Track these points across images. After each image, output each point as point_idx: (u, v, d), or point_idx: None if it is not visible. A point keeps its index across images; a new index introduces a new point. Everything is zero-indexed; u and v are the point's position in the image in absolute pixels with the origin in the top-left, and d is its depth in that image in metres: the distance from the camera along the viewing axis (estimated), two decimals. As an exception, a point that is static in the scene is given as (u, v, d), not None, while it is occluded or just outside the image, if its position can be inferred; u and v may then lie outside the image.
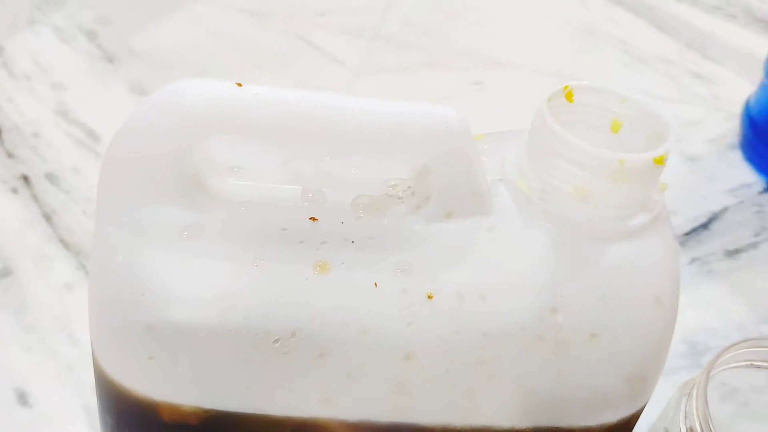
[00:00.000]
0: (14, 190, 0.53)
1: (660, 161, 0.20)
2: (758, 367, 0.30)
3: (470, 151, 0.21)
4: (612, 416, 0.22)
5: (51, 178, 0.54)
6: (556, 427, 0.21)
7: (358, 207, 0.22)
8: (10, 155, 0.56)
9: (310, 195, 0.22)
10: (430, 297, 0.20)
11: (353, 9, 0.79)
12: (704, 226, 0.60)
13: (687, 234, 0.58)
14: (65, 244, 0.49)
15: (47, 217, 0.51)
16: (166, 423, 0.21)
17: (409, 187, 0.22)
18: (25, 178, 0.54)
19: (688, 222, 0.60)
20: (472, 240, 0.21)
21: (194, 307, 0.20)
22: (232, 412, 0.21)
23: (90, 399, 0.41)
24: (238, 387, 0.20)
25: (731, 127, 0.70)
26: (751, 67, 0.66)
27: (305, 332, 0.20)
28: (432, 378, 0.20)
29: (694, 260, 0.56)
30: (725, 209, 0.61)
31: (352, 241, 0.21)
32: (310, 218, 0.21)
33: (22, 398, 0.41)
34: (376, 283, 0.20)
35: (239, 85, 0.20)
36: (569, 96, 0.22)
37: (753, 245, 0.59)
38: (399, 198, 0.22)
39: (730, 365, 0.29)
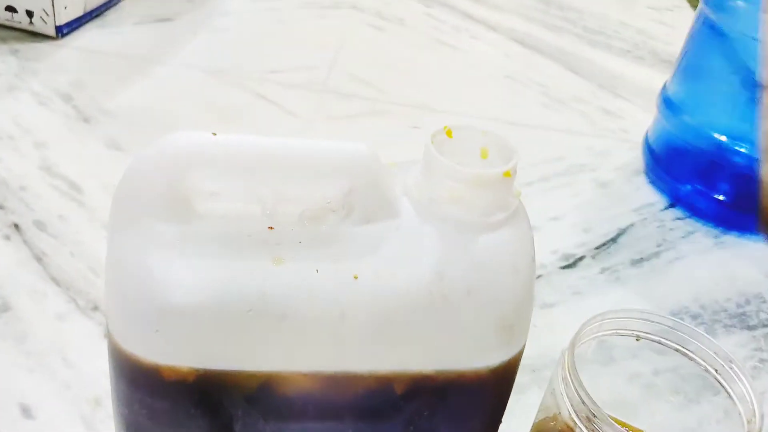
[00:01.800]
0: (7, 237, 0.59)
1: (507, 174, 0.29)
2: (622, 335, 0.39)
3: (380, 174, 0.30)
4: (493, 359, 0.30)
5: (39, 225, 0.60)
6: (453, 370, 0.30)
7: (304, 217, 0.30)
8: (0, 206, 0.62)
9: (268, 211, 0.30)
10: (355, 277, 0.28)
11: (303, 66, 0.88)
12: (613, 240, 0.69)
13: (598, 248, 0.68)
14: (56, 282, 0.56)
15: (38, 259, 0.58)
16: (167, 381, 0.28)
17: (340, 201, 0.31)
18: (16, 226, 0.60)
19: (599, 237, 0.69)
20: (385, 235, 0.29)
21: (187, 291, 0.28)
22: (218, 369, 0.29)
23: (87, 411, 0.48)
24: (222, 349, 0.28)
25: (636, 155, 0.80)
26: (654, 102, 0.76)
27: (268, 304, 0.28)
28: (359, 332, 0.28)
29: (604, 270, 0.65)
30: (631, 225, 0.70)
31: (300, 242, 0.29)
32: (269, 227, 0.30)
33: (26, 411, 0.47)
34: (317, 270, 0.28)
35: (214, 134, 0.28)
36: (449, 133, 0.31)
37: (655, 254, 0.68)
38: (333, 210, 0.31)
39: (598, 334, 0.38)
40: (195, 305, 0.27)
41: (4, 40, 0.83)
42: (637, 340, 0.40)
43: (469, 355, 0.30)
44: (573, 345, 0.34)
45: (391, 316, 0.28)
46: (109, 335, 0.29)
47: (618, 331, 0.39)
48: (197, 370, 0.28)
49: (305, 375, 0.29)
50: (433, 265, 0.28)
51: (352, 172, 0.29)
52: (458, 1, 1.08)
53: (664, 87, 0.76)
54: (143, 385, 0.29)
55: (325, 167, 0.29)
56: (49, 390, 0.49)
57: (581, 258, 0.67)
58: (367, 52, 0.94)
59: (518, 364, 0.32)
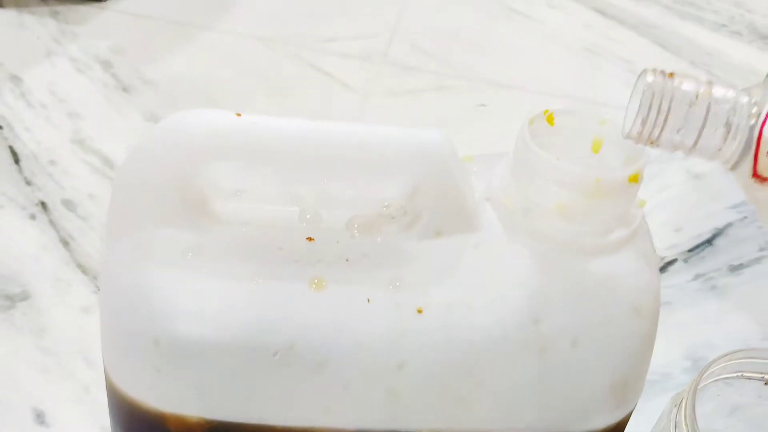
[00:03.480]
0: (32, 217, 0.54)
1: (634, 179, 0.21)
2: (749, 378, 0.31)
3: (456, 171, 0.22)
4: (598, 422, 0.23)
5: (68, 204, 0.55)
6: (544, 434, 0.22)
7: (353, 227, 0.23)
8: (28, 182, 0.57)
9: (308, 216, 0.23)
10: (420, 311, 0.21)
11: (362, 34, 0.81)
12: (708, 242, 0.60)
13: (691, 250, 0.59)
14: (82, 269, 0.51)
15: (64, 243, 0.52)
16: (173, 433, 0.22)
17: (402, 206, 0.24)
18: (43, 205, 0.55)
19: (692, 239, 0.60)
20: (460, 256, 0.22)
21: (197, 322, 0.21)
22: (235, 422, 0.22)
23: (106, 419, 0.42)
24: (240, 398, 0.22)
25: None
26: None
27: (302, 345, 0.21)
28: (423, 386, 0.21)
29: (698, 276, 0.57)
30: (729, 225, 0.61)
31: (347, 259, 0.22)
32: (307, 238, 0.23)
33: (40, 417, 0.42)
34: (369, 299, 0.21)
35: (238, 114, 0.21)
36: (550, 119, 0.23)
37: (757, 260, 0.59)
38: (392, 217, 0.23)
39: (721, 376, 0.30)
40: (204, 342, 0.21)
41: (45, 1, 0.79)
42: (766, 384, 0.32)
43: (567, 419, 0.22)
44: (694, 392, 0.27)
45: (466, 368, 0.21)
46: (105, 372, 0.23)
47: (743, 374, 0.31)
48: (209, 422, 0.22)
49: (348, 435, 0.22)
50: (528, 304, 0.20)
51: (418, 167, 0.22)
52: (534, -35, 0.98)
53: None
54: (143, 436, 0.23)
55: (384, 160, 0.22)
56: (66, 394, 0.43)
57: (672, 262, 0.58)
58: (432, 19, 0.86)
59: (626, 424, 0.24)
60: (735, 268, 0.58)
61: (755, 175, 0.20)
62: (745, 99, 0.20)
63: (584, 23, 0.88)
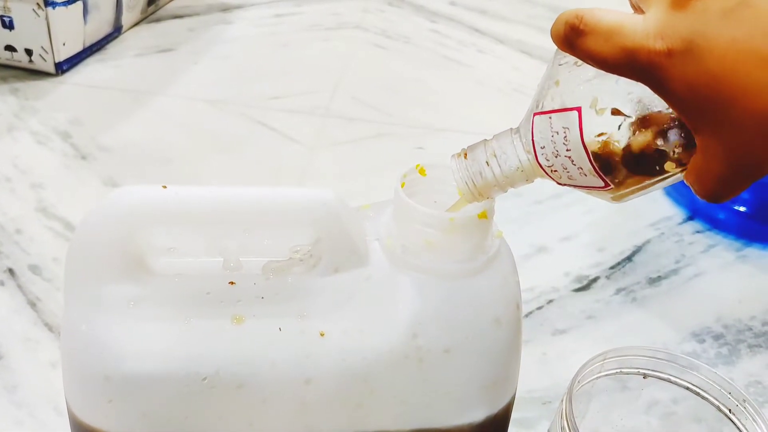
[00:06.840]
0: (1, 283, 0.58)
1: (483, 216, 0.26)
2: (627, 373, 0.36)
3: (347, 220, 0.27)
4: (477, 415, 0.28)
5: (34, 269, 0.59)
6: (431, 428, 0.27)
7: (268, 270, 0.28)
8: None
9: (231, 264, 0.28)
10: (322, 334, 0.26)
11: (306, 91, 0.86)
12: (629, 258, 0.65)
13: (613, 267, 0.64)
14: (49, 327, 0.54)
15: (32, 304, 0.56)
16: (125, 453, 0.27)
17: (309, 250, 0.29)
18: (11, 271, 0.59)
19: (614, 257, 0.65)
20: (354, 288, 0.27)
21: (141, 359, 0.26)
22: (177, 439, 0.26)
23: (77, 462, 0.46)
24: (179, 418, 0.26)
25: (652, 167, 0.76)
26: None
27: (226, 370, 0.26)
28: (328, 397, 0.26)
29: (619, 290, 0.62)
30: (648, 242, 0.66)
31: (262, 297, 0.27)
32: (229, 282, 0.27)
33: None
34: (280, 328, 0.26)
35: (164, 187, 0.26)
36: (422, 171, 0.28)
37: (674, 271, 0.64)
38: (300, 260, 0.28)
39: (601, 374, 0.35)
40: (146, 375, 0.25)
41: (4, 79, 0.83)
42: (644, 378, 0.37)
43: (448, 414, 0.27)
44: (571, 392, 0.32)
45: (361, 379, 0.26)
46: (67, 405, 0.27)
47: (622, 370, 0.36)
48: (155, 441, 0.26)
49: (271, 442, 0.27)
50: (407, 322, 0.25)
51: (318, 220, 0.27)
52: (465, 14, 1.05)
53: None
54: (101, 458, 0.27)
55: (291, 216, 0.27)
56: (39, 443, 0.47)
57: (595, 279, 0.64)
58: (371, 73, 0.92)
59: (509, 414, 0.29)
60: (653, 281, 0.63)
61: (560, 184, 0.25)
62: (516, 138, 0.25)
63: (513, 65, 0.95)
